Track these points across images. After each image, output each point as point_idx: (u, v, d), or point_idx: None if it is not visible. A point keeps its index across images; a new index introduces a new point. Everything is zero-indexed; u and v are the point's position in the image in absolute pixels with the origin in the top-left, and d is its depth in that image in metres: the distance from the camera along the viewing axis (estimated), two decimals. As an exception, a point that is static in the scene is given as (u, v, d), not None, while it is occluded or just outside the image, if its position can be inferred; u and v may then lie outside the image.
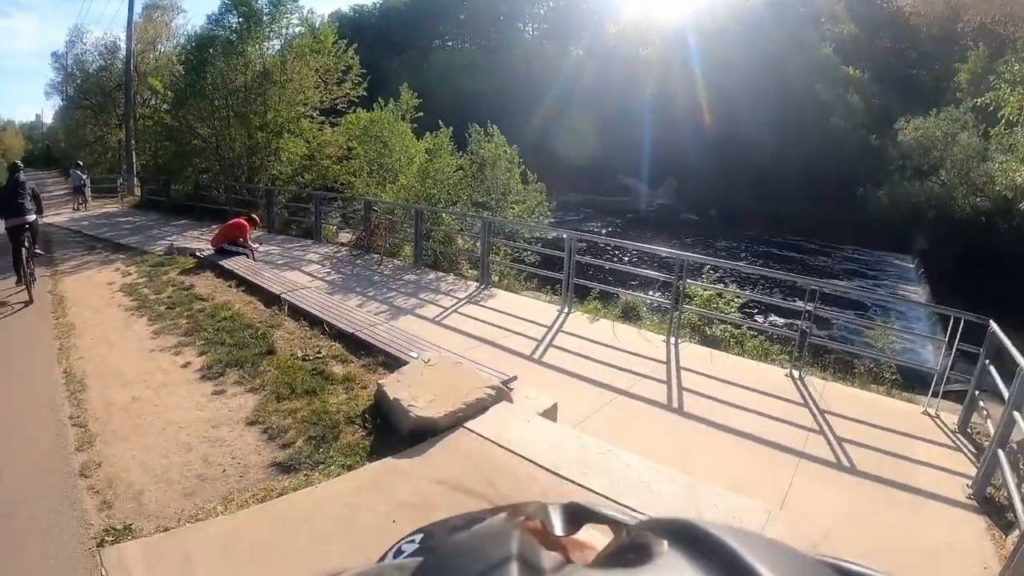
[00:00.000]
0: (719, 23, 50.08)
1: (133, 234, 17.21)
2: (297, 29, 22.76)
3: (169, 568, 3.73)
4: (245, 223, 12.89)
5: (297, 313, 8.69)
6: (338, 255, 14.37)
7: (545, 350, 8.79)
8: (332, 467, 4.96)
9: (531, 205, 15.47)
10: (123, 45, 30.98)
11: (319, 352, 7.33)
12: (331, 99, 22.19)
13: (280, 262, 13.18)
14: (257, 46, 22.35)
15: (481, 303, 10.79)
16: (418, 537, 0.69)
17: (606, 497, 4.56)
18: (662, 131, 46.46)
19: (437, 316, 9.89)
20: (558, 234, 13.17)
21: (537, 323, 9.77)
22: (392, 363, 6.88)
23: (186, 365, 7.18)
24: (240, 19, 21.89)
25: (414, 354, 6.89)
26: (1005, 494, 5.75)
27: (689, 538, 0.40)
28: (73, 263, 13.61)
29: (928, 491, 6.07)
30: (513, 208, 15.38)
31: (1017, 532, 5.04)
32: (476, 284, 11.92)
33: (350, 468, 4.92)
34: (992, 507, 5.86)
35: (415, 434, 5.30)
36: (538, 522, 0.55)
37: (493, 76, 53.70)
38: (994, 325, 7.09)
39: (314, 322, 8.30)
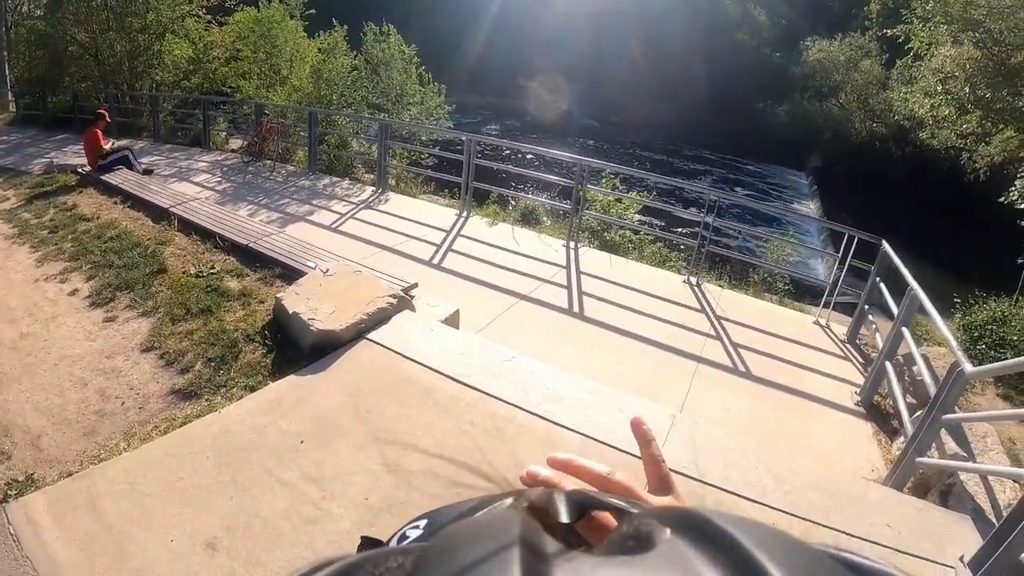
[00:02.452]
0: None
1: (9, 154, 16.11)
2: None
3: (78, 515, 3.61)
4: (94, 130, 11.60)
5: (188, 227, 8.38)
6: (228, 163, 13.86)
7: (445, 255, 8.84)
8: (234, 389, 4.90)
9: (429, 107, 15.24)
10: None
11: (213, 267, 7.15)
12: None
13: (167, 173, 12.64)
14: None
15: (378, 208, 10.69)
16: (422, 523, 0.71)
17: (514, 405, 4.67)
18: (565, 36, 45.96)
19: (334, 223, 9.78)
20: (457, 136, 13.07)
21: (436, 228, 9.78)
22: (289, 275, 6.79)
23: (74, 292, 6.86)
24: None
25: (311, 264, 6.82)
26: (891, 403, 6.22)
27: (692, 526, 0.41)
28: None
29: (819, 397, 6.50)
30: (410, 110, 15.13)
31: (902, 438, 5.44)
32: (373, 189, 11.79)
33: (253, 389, 4.85)
34: (878, 414, 6.34)
35: (317, 348, 5.26)
36: (542, 509, 0.55)
37: None
38: (886, 245, 7.49)
39: (206, 235, 8.04)
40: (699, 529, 0.40)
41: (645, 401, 5.26)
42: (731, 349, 7.24)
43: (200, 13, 20.78)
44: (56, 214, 9.53)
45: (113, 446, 4.34)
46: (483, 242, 9.42)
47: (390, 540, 0.71)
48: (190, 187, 11.42)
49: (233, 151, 15.36)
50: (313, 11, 18.08)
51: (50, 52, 22.10)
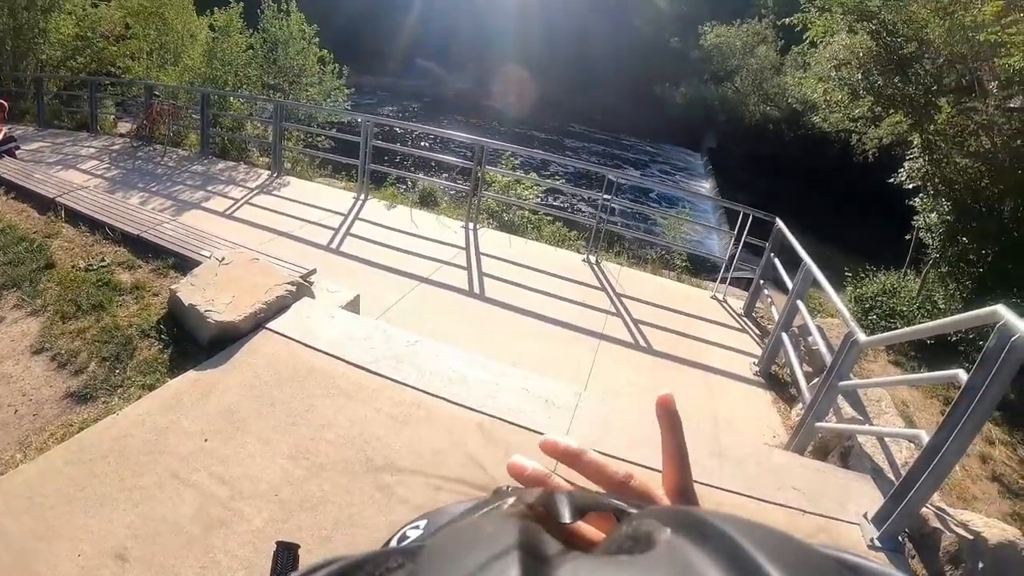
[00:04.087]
0: None
1: None
2: None
3: None
4: None
5: (76, 217, 8.08)
6: (117, 147, 13.42)
7: (343, 240, 8.89)
8: (132, 389, 4.80)
9: (327, 88, 15.09)
10: None
11: (103, 260, 6.94)
12: None
13: (53, 160, 12.19)
14: None
15: (274, 193, 10.63)
16: (422, 523, 0.71)
17: (419, 389, 4.75)
18: (465, 18, 45.77)
19: (228, 209, 9.68)
20: (354, 118, 13.01)
21: (334, 211, 9.81)
22: (184, 265, 6.69)
23: None
24: None
25: (206, 253, 6.73)
26: (788, 372, 6.63)
27: (692, 526, 0.41)
28: None
29: (719, 368, 6.88)
30: (308, 91, 14.95)
31: (800, 405, 5.82)
32: (268, 173, 11.69)
33: (151, 388, 4.74)
34: (776, 383, 6.77)
35: (216, 341, 5.20)
36: (542, 510, 0.54)
37: None
38: (780, 222, 7.90)
39: (95, 226, 7.77)
40: (700, 529, 0.40)
41: (550, 380, 5.37)
42: (632, 325, 7.53)
43: None
44: None
45: (9, 458, 4.20)
46: (382, 225, 9.49)
47: (390, 540, 0.72)
48: (77, 175, 11.02)
49: (122, 135, 14.90)
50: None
51: None
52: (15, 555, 3.26)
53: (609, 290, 8.41)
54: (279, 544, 0.92)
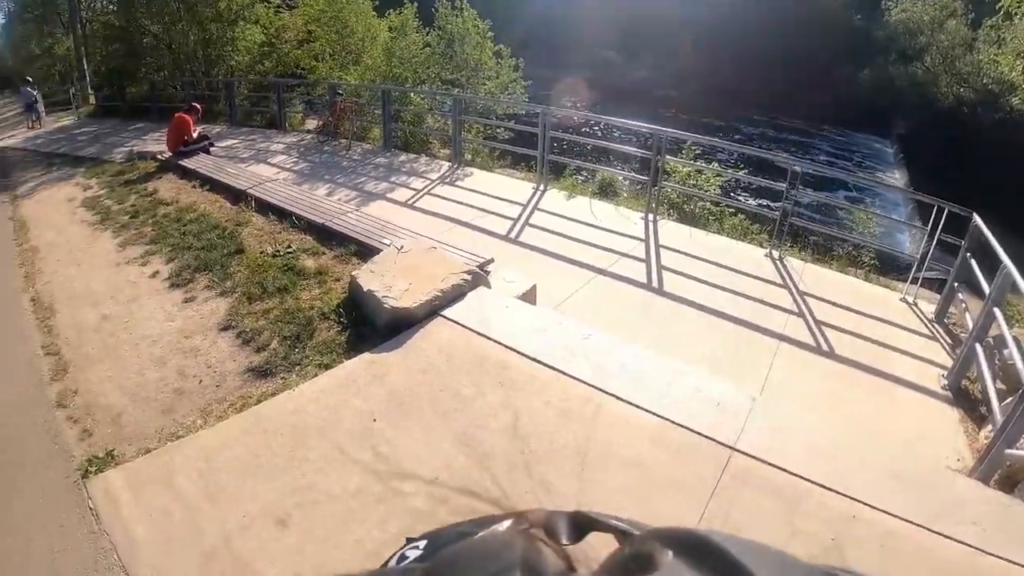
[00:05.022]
0: None
1: (91, 144, 16.62)
2: None
3: (155, 491, 3.68)
4: (186, 117, 12.12)
5: (265, 207, 8.39)
6: (304, 143, 13.95)
7: (521, 230, 8.63)
8: (309, 367, 4.85)
9: (504, 81, 15.01)
10: None
11: (289, 247, 7.12)
12: None
13: (244, 156, 12.77)
14: None
15: (454, 183, 10.54)
16: (422, 543, 0.68)
17: (591, 384, 4.47)
18: (641, 6, 45.09)
19: (409, 199, 9.67)
20: (532, 109, 12.83)
21: (513, 202, 9.58)
22: (365, 252, 6.69)
23: (154, 275, 6.98)
24: None
25: (387, 241, 6.70)
26: (979, 388, 5.76)
27: (694, 548, 0.39)
28: (31, 184, 13.13)
29: (904, 379, 6.08)
30: (485, 84, 14.92)
31: (990, 427, 5.02)
32: (448, 164, 11.63)
33: (327, 367, 4.80)
34: (966, 399, 5.90)
35: (392, 326, 5.15)
36: (542, 530, 0.54)
37: None
38: (977, 218, 6.97)
39: (283, 215, 8.03)
40: (701, 551, 0.39)
41: (725, 381, 4.90)
42: (815, 327, 6.83)
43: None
44: (137, 200, 9.71)
45: (190, 424, 4.39)
46: (560, 215, 9.18)
47: (388, 561, 0.69)
48: (267, 169, 11.48)
49: (309, 132, 15.46)
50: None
51: (125, 45, 22.71)
52: (187, 512, 3.48)
53: (792, 288, 7.71)
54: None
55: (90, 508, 3.73)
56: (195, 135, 12.05)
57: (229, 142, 13.99)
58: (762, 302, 7.17)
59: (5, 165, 15.90)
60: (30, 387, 5.27)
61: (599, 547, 0.53)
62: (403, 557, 0.66)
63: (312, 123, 16.51)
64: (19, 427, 4.75)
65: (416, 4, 16.01)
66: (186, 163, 10.96)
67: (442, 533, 0.69)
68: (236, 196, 8.97)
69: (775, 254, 8.47)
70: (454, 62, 15.12)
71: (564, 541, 0.54)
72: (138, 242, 8.03)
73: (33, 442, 4.57)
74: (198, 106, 12.71)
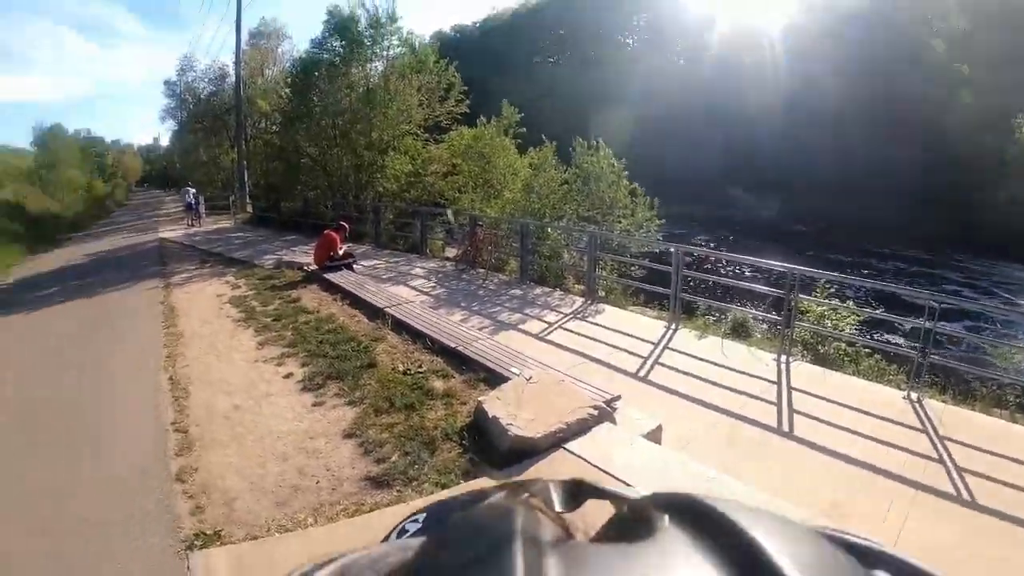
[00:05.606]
0: (824, 27, 48.79)
1: (243, 249, 17.79)
2: (398, 50, 23.20)
3: None
4: (333, 234, 12.92)
5: (400, 327, 8.61)
6: (443, 270, 14.38)
7: (651, 368, 8.46)
8: (425, 484, 4.85)
9: (639, 219, 15.17)
10: (232, 71, 32.43)
11: (420, 366, 7.22)
12: (434, 117, 22.45)
13: (385, 276, 13.27)
14: (360, 68, 22.99)
15: (586, 319, 10.51)
16: (421, 516, 0.70)
17: None
18: (767, 142, 45.43)
19: (541, 332, 9.68)
20: (665, 248, 12.86)
21: (643, 339, 9.44)
22: (493, 379, 6.68)
23: (288, 376, 7.26)
24: (343, 43, 22.57)
25: (516, 370, 6.70)
26: None
27: (690, 512, 0.40)
28: (185, 276, 14.13)
29: None
30: (620, 222, 15.09)
31: None
32: (582, 299, 11.65)
33: (444, 486, 4.79)
34: None
35: (513, 454, 5.10)
36: (540, 499, 0.54)
37: (595, 90, 53.39)
38: None
39: (416, 336, 8.20)
40: (698, 515, 0.40)
41: (854, 535, 4.56)
42: (955, 474, 6.29)
43: (418, 132, 22.29)
44: (280, 304, 10.18)
45: (301, 519, 4.47)
46: (691, 355, 8.99)
47: (389, 535, 0.70)
48: (406, 290, 11.83)
49: (448, 259, 15.94)
50: (524, 129, 18.78)
51: (283, 163, 24.49)
52: None
53: (931, 432, 7.17)
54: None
55: None
56: (341, 252, 12.75)
57: (372, 262, 14.64)
58: (899, 447, 6.72)
59: (164, 255, 17.29)
60: (154, 458, 5.60)
61: (596, 514, 0.54)
62: (403, 531, 0.68)
63: (452, 251, 17.02)
64: (137, 492, 5.03)
65: (555, 143, 16.58)
66: (330, 277, 11.46)
67: (440, 506, 0.71)
68: (374, 313, 9.25)
69: (913, 396, 7.99)
70: (590, 199, 15.39)
71: (561, 509, 0.54)
72: (277, 343, 8.42)
73: (147, 508, 4.78)
74: (346, 225, 13.45)
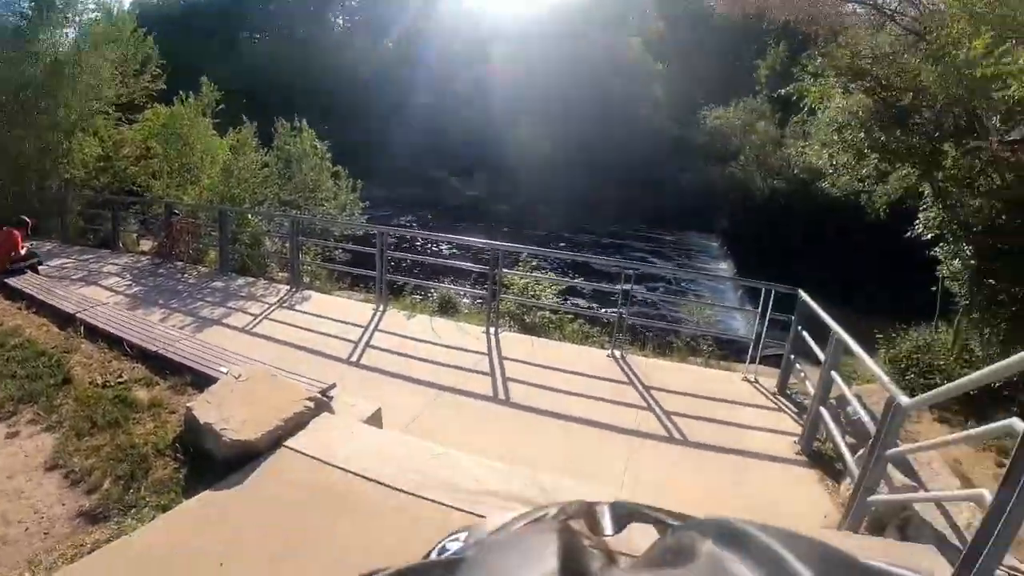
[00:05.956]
0: (538, 21, 51.79)
1: None
2: (93, 15, 21.11)
3: None
4: (14, 232, 11.73)
5: (95, 333, 8.13)
6: (139, 265, 13.66)
7: (363, 352, 8.79)
8: (145, 510, 4.64)
9: (343, 202, 15.32)
10: None
11: (121, 376, 6.89)
12: (128, 93, 20.76)
13: (76, 276, 12.42)
14: (49, 34, 20.47)
15: (293, 307, 10.64)
16: (462, 535, 0.73)
17: (445, 504, 4.48)
18: (474, 127, 47.03)
19: (247, 325, 9.68)
20: (369, 229, 13.13)
21: (353, 324, 9.74)
22: (201, 381, 6.57)
23: None
24: (32, 3, 20.08)
25: (224, 369, 6.63)
26: (831, 447, 6.35)
27: (734, 538, 0.41)
28: None
29: (760, 452, 6.63)
30: (323, 205, 15.18)
31: (849, 480, 5.54)
32: (287, 287, 11.74)
33: (165, 508, 4.59)
34: (821, 460, 6.52)
35: (232, 460, 5.01)
36: (583, 522, 0.55)
37: (302, 69, 51.84)
38: (803, 294, 7.80)
39: (114, 342, 7.80)
40: (741, 541, 0.41)
41: (585, 484, 5.20)
42: (664, 418, 7.29)
43: (109, 111, 20.66)
44: None
45: None
46: (402, 335, 9.41)
47: (430, 552, 0.72)
48: (99, 291, 11.23)
49: (144, 253, 15.23)
50: (223, 106, 18.14)
51: None
52: None
53: (638, 384, 8.19)
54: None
55: None
56: (23, 252, 11.66)
57: (60, 260, 13.57)
58: (611, 401, 7.58)
59: None
60: None
61: (639, 539, 0.57)
62: (444, 549, 0.71)
63: (147, 244, 16.28)
64: None
65: (256, 123, 16.34)
66: (11, 282, 10.55)
67: (483, 525, 0.72)
68: (64, 320, 8.66)
69: (617, 353, 8.99)
70: (292, 183, 15.34)
71: (605, 533, 0.55)
72: (-52, 369, 7.61)
73: None
74: (28, 220, 12.28)
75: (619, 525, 0.57)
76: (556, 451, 6.48)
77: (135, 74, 20.98)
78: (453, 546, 0.72)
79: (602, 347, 9.78)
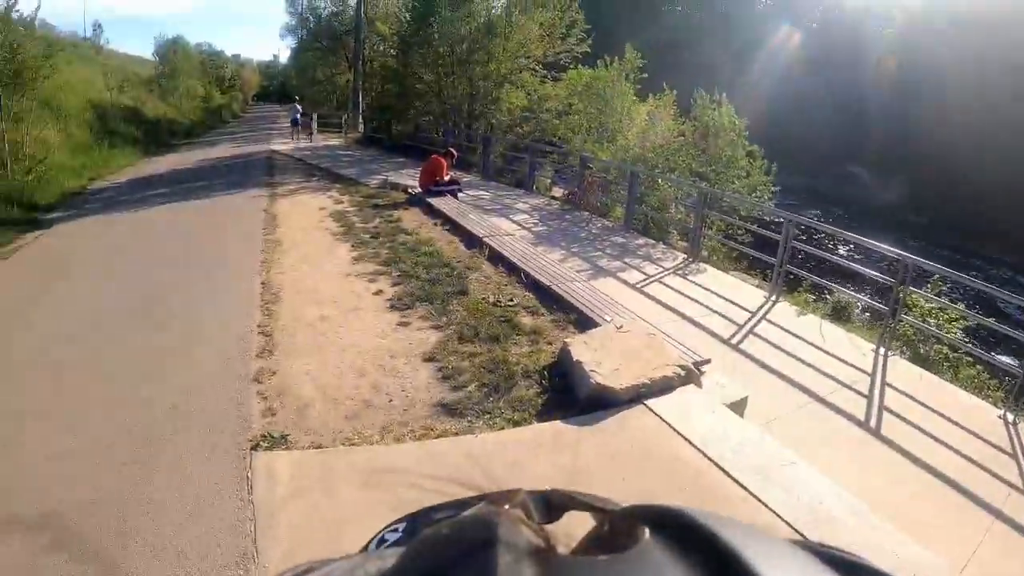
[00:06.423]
0: (973, 9, 45.26)
1: (351, 167, 18.13)
2: None
3: (311, 484, 3.84)
4: (441, 160, 13.02)
5: (496, 259, 8.55)
6: (548, 207, 14.26)
7: (744, 337, 8.15)
8: (497, 419, 4.77)
9: (754, 182, 14.63)
10: None
11: (511, 300, 7.13)
12: (554, 53, 22.16)
13: (488, 207, 13.24)
14: None
15: (686, 276, 10.19)
16: (401, 526, 0.68)
17: (779, 515, 4.10)
18: (897, 123, 42.83)
19: (638, 282, 9.44)
20: (775, 216, 12.40)
21: (741, 306, 9.13)
22: (583, 323, 6.55)
23: (378, 293, 7.33)
24: None
25: (608, 317, 6.53)
26: None
27: (670, 525, 0.40)
28: (291, 187, 14.51)
29: None
30: (734, 183, 14.59)
31: None
32: (684, 256, 11.30)
33: (516, 424, 4.71)
34: None
35: (591, 401, 4.96)
36: (522, 510, 0.52)
37: (723, 45, 51.26)
38: None
39: (512, 269, 8.13)
40: (678, 528, 0.39)
41: (925, 550, 4.28)
42: None
43: (536, 68, 22.08)
44: (381, 223, 10.30)
45: (367, 436, 4.52)
46: (786, 330, 8.61)
47: (369, 544, 0.67)
48: (507, 223, 11.77)
49: (555, 198, 15.93)
50: (646, 75, 18.19)
51: (398, 86, 24.68)
52: (332, 517, 3.51)
53: (1021, 459, 6.77)
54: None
55: (247, 477, 3.99)
56: (447, 178, 12.75)
57: (477, 192, 14.66)
58: (984, 468, 6.33)
59: (272, 166, 17.73)
60: (235, 357, 5.80)
61: (577, 526, 0.53)
62: (383, 540, 0.67)
63: (558, 191, 16.98)
64: (212, 388, 5.27)
65: (675, 92, 16.17)
66: (433, 201, 11.48)
67: (420, 516, 0.70)
68: (472, 241, 9.23)
69: (1010, 417, 7.50)
70: (706, 155, 14.92)
71: (542, 520, 0.53)
72: (372, 260, 8.52)
73: (219, 404, 4.95)
74: (454, 152, 13.56)
75: (556, 512, 0.56)
76: (909, 501, 5.44)
77: (561, 36, 22.28)
78: (392, 536, 0.66)
79: (996, 405, 8.21)
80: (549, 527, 0.53)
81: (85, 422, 4.70)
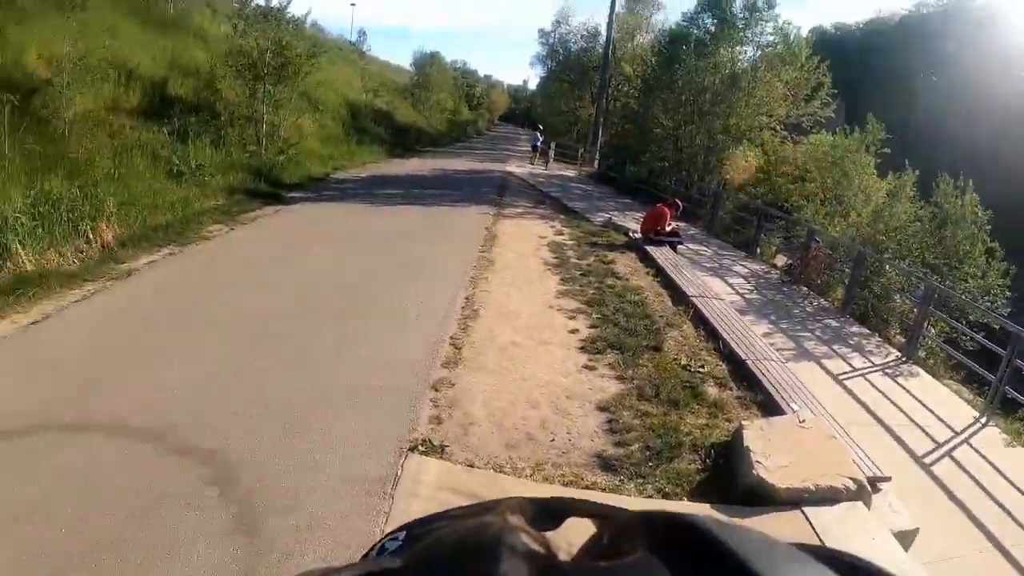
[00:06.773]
0: None
1: (579, 200, 18.72)
2: (771, 38, 22.96)
3: (451, 499, 3.88)
4: (666, 209, 13.09)
5: (699, 320, 8.49)
6: (766, 276, 13.97)
7: (940, 458, 7.20)
8: (649, 486, 4.75)
9: (989, 284, 13.53)
10: (604, 32, 34.33)
11: (702, 366, 7.05)
12: (797, 115, 21.92)
13: (706, 265, 13.25)
14: (728, 49, 22.89)
15: (894, 377, 9.51)
16: (401, 535, 0.67)
17: None
18: None
19: (840, 374, 8.98)
20: (1006, 326, 11.42)
21: (945, 422, 8.19)
22: (768, 406, 6.37)
23: (574, 332, 7.57)
24: (714, 21, 22.82)
25: (795, 406, 6.28)
26: None
27: (673, 531, 0.40)
28: (517, 210, 15.08)
29: None
30: (966, 281, 13.57)
31: None
32: (897, 354, 10.56)
33: (666, 496, 4.64)
34: None
35: (748, 492, 4.78)
36: (523, 518, 0.53)
37: (983, 124, 46.24)
38: None
39: (712, 335, 8.03)
40: (681, 534, 0.39)
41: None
42: None
43: (777, 127, 21.84)
44: (594, 262, 10.71)
45: (519, 468, 4.68)
46: (988, 460, 7.42)
47: (368, 553, 0.67)
48: (720, 285, 11.70)
49: (775, 266, 15.60)
50: (888, 150, 17.50)
51: (637, 128, 25.15)
52: None
53: None
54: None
55: (395, 474, 4.29)
56: (668, 228, 12.92)
57: (698, 247, 14.72)
58: None
59: (504, 187, 18.55)
60: (421, 360, 6.26)
61: (580, 533, 0.54)
62: (383, 549, 0.66)
63: (781, 260, 16.65)
64: (392, 384, 5.70)
65: (917, 172, 15.29)
66: (651, 249, 11.72)
67: (420, 524, 0.68)
68: (680, 298, 9.30)
69: None
70: (941, 246, 14.00)
71: (543, 528, 0.53)
72: (576, 297, 8.80)
73: (394, 400, 5.38)
74: (679, 203, 13.73)
75: (557, 520, 0.56)
76: None
77: (806, 98, 22.10)
78: (392, 545, 0.63)
79: None
80: (550, 534, 0.55)
81: (270, 383, 5.42)
